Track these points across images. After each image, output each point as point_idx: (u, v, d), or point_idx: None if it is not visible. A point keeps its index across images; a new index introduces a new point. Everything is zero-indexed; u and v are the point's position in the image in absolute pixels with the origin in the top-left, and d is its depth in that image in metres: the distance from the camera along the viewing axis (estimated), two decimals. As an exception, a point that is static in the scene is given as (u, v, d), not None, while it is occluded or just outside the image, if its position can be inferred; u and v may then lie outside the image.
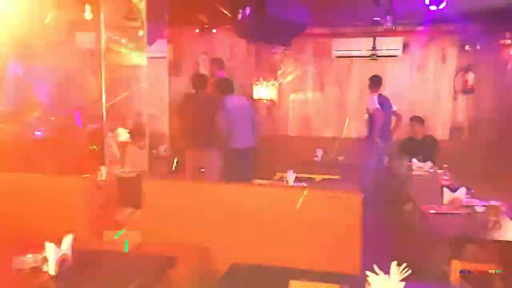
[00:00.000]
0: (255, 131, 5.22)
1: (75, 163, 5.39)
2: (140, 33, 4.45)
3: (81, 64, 6.79)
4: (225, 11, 5.29)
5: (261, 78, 6.96)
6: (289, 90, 7.01)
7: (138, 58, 4.51)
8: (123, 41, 4.61)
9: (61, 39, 6.75)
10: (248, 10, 4.27)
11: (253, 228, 2.52)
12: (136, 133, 4.74)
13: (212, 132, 4.81)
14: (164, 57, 5.46)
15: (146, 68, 4.47)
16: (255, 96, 6.95)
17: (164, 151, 5.42)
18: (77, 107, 6.82)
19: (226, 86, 5.12)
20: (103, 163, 4.30)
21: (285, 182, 3.72)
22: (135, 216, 3.60)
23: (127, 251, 2.39)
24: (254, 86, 6.97)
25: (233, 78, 7.02)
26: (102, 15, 4.28)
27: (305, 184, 3.94)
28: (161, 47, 5.36)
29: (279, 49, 6.75)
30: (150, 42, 4.64)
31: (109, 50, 4.40)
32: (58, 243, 1.77)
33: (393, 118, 5.79)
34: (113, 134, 5.02)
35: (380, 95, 5.62)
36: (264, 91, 6.93)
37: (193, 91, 5.00)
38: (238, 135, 5.05)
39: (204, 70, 7.15)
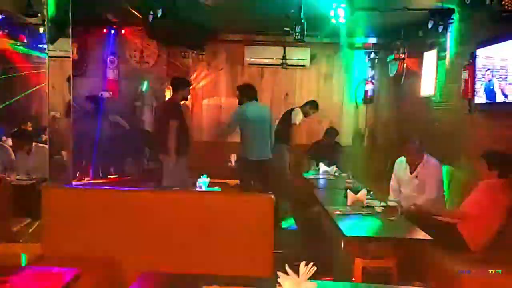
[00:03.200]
0: (270, 142, 5.11)
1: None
2: (41, 30, 4.14)
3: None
4: (135, 12, 5.13)
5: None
6: (202, 95, 7.00)
7: (38, 57, 4.19)
8: (21, 38, 4.26)
9: None
10: (159, 12, 4.18)
11: (165, 235, 2.46)
12: (20, 136, 4.34)
13: (166, 139, 4.59)
14: (68, 57, 5.13)
15: (47, 68, 4.16)
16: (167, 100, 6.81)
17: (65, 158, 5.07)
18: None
19: None
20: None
21: (198, 187, 3.69)
22: (33, 227, 3.32)
23: (25, 264, 2.19)
24: (166, 90, 6.83)
25: (143, 81, 6.85)
26: (-4, 8, 3.91)
27: (219, 189, 3.95)
28: (64, 46, 5.03)
29: (191, 53, 6.69)
30: (52, 40, 4.33)
31: (4, 48, 4.03)
32: None
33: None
34: (6, 139, 4.59)
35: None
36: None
37: None
38: (252, 146, 4.96)
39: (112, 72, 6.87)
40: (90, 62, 6.78)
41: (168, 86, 6.79)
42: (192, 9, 4.70)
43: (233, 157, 6.35)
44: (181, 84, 4.88)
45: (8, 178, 3.79)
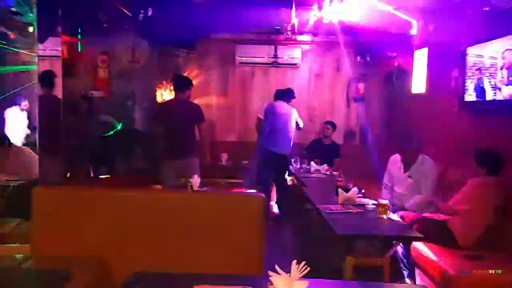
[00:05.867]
0: (291, 140, 5.55)
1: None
2: (31, 29, 4.10)
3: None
4: (125, 11, 5.10)
5: (164, 82, 6.82)
6: (193, 95, 6.96)
7: (28, 56, 4.15)
8: (11, 37, 4.22)
9: None
10: (150, 11, 4.16)
11: (156, 234, 2.45)
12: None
13: (193, 141, 4.55)
14: (58, 56, 5.09)
15: (36, 67, 4.12)
16: (158, 99, 6.78)
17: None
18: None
19: None
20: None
21: (189, 187, 3.68)
22: (23, 228, 3.29)
23: (14, 266, 2.17)
24: (156, 89, 6.81)
25: (135, 80, 6.82)
26: (-17, 7, 3.87)
27: (209, 189, 3.95)
28: (54, 45, 4.98)
29: (182, 52, 6.67)
30: (42, 39, 4.29)
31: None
32: None
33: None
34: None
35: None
36: (167, 94, 6.80)
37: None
38: (277, 140, 5.37)
39: (103, 71, 6.82)
40: (81, 61, 6.73)
41: (159, 85, 6.79)
42: (183, 7, 4.68)
43: (224, 157, 6.35)
44: (187, 82, 4.76)
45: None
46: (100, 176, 6.24)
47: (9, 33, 4.10)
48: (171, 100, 4.66)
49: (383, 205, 3.20)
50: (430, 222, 3.37)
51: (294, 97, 5.67)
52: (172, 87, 4.65)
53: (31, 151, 4.31)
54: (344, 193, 3.49)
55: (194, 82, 6.87)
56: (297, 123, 5.66)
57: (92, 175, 6.18)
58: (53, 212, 2.51)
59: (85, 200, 2.57)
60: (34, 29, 4.04)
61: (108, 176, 6.27)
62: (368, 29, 5.52)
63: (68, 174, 5.72)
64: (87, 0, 5.04)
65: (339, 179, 4.08)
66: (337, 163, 5.77)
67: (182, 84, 4.61)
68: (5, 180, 3.88)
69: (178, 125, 4.44)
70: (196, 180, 3.67)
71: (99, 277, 2.34)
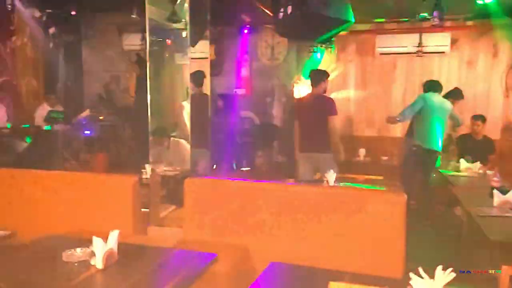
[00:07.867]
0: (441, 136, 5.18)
1: (122, 162, 5.58)
2: (183, 34, 4.55)
3: (128, 65, 7.01)
4: (266, 10, 5.30)
5: (301, 77, 6.92)
6: (331, 89, 6.92)
7: (181, 59, 4.62)
8: (167, 42, 4.73)
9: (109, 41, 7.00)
10: (289, 9, 4.25)
11: (294, 228, 2.51)
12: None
13: (327, 135, 4.50)
14: (206, 58, 5.54)
15: (189, 68, 4.56)
16: (296, 95, 6.91)
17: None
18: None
19: None
20: (148, 162, 4.42)
21: (325, 182, 3.68)
22: (177, 213, 3.68)
23: (168, 246, 2.45)
24: (295, 85, 6.94)
25: (274, 77, 7.07)
26: (147, 18, 4.41)
27: (346, 184, 3.89)
28: (203, 48, 5.44)
29: (320, 47, 6.67)
30: (193, 43, 4.72)
31: (154, 51, 4.52)
32: (105, 238, 1.83)
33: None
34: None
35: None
36: (305, 90, 6.88)
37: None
38: (428, 135, 5.06)
39: (245, 70, 7.21)
40: (226, 61, 7.22)
41: (297, 81, 6.91)
42: (321, 2, 4.66)
43: (362, 152, 6.18)
44: (322, 76, 4.73)
45: (157, 169, 4.26)
46: (242, 169, 6.63)
47: (167, 39, 4.61)
48: (307, 95, 4.71)
49: (551, 211, 2.76)
50: None
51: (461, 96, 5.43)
52: (309, 83, 4.69)
53: (185, 144, 4.82)
54: (501, 195, 3.10)
55: (332, 76, 6.84)
56: (454, 118, 5.28)
57: (234, 167, 6.60)
58: (202, 201, 2.76)
59: (230, 191, 2.76)
60: (187, 34, 4.48)
61: (249, 168, 6.62)
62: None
63: (214, 166, 6.21)
64: (230, 3, 5.37)
65: (495, 179, 3.62)
66: (492, 160, 5.15)
67: (316, 78, 4.62)
68: (164, 171, 4.40)
69: (312, 120, 4.47)
70: (331, 176, 3.65)
71: (241, 263, 2.49)
